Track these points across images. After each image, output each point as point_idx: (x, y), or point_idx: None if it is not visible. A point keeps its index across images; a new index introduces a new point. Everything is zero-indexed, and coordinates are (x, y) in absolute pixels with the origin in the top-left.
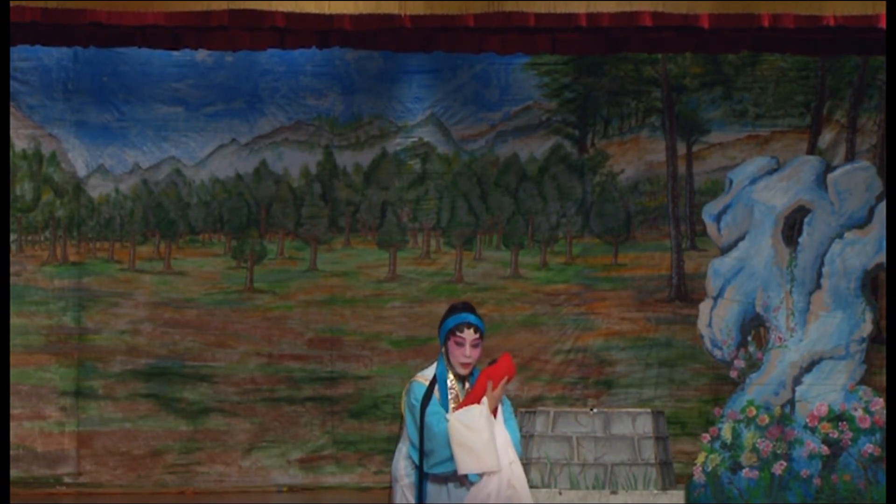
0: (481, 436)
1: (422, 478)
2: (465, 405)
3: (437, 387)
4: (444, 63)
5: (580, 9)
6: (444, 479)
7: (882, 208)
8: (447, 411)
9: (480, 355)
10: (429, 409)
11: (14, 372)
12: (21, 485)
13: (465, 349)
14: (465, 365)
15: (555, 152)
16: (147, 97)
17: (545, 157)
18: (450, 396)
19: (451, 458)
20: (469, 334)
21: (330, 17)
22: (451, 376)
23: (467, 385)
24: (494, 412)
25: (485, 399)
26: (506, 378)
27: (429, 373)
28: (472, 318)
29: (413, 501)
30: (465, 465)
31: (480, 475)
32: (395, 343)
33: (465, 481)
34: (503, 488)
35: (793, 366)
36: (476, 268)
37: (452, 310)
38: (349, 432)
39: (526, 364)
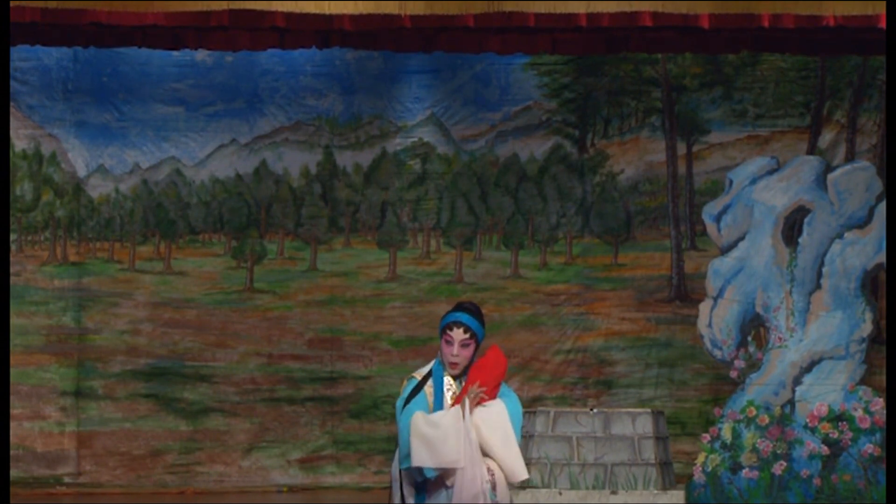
0: (440, 431)
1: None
2: (456, 405)
3: (431, 382)
4: (444, 63)
5: (580, 9)
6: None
7: (882, 208)
8: (442, 408)
9: (472, 356)
10: (406, 408)
11: (14, 372)
12: (21, 485)
13: (453, 348)
14: (452, 364)
15: (555, 152)
16: (147, 97)
17: (545, 157)
18: (447, 394)
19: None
20: (458, 334)
21: (330, 17)
22: (446, 374)
23: (463, 382)
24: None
25: (465, 399)
26: (497, 381)
27: (425, 369)
28: (464, 317)
29: (412, 502)
30: (418, 458)
31: (437, 470)
32: (395, 343)
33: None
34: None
35: (793, 366)
36: (476, 268)
37: (454, 308)
38: (349, 432)
39: (526, 364)
